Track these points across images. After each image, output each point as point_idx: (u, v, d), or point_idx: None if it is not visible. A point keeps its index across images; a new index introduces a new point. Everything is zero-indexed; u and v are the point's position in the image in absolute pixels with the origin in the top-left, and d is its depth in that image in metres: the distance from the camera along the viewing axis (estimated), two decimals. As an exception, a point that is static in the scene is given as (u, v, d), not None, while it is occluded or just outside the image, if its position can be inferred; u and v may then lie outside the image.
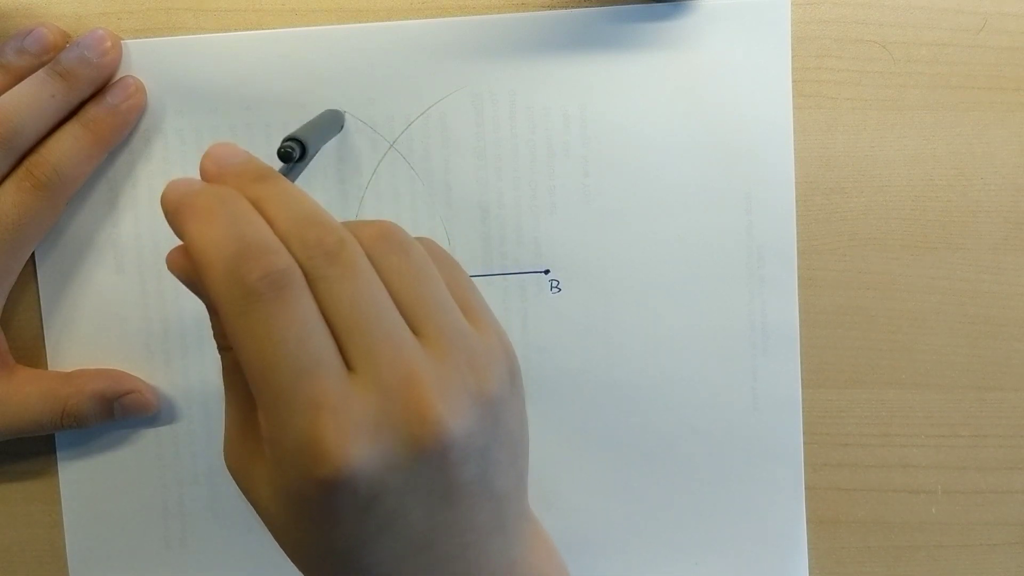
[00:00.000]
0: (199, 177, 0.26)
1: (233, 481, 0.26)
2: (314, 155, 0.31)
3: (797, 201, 0.36)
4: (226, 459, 0.26)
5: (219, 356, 0.26)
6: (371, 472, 0.23)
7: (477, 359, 0.25)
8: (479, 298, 0.27)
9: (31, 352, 0.37)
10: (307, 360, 0.22)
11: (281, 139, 0.29)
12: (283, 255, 0.23)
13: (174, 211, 0.24)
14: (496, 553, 0.26)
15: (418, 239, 0.27)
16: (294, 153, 0.29)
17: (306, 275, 0.23)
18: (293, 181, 0.28)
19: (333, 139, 0.36)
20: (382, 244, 0.25)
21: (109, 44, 0.35)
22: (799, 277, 0.36)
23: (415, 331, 0.24)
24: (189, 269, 0.24)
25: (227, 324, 0.23)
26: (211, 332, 0.26)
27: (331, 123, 0.35)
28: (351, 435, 0.22)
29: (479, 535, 0.25)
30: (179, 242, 0.25)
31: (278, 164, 0.29)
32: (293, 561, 0.26)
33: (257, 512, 0.25)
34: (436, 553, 0.24)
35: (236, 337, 0.23)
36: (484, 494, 0.25)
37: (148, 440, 0.38)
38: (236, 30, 0.36)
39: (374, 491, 0.23)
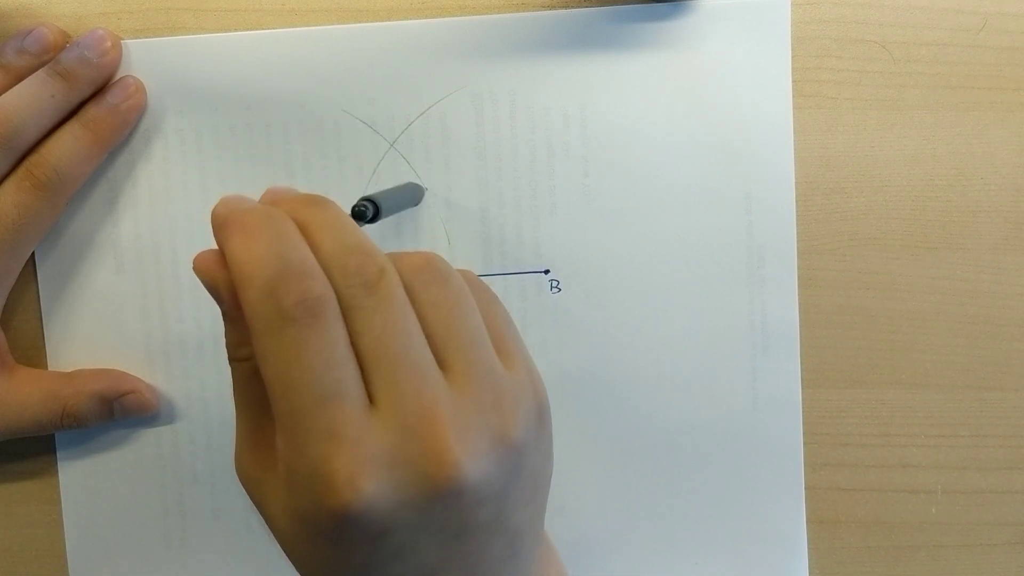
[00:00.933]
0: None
1: (235, 482, 0.26)
2: (385, 218, 0.31)
3: (797, 201, 0.36)
4: (237, 470, 0.26)
5: (229, 365, 0.26)
6: (382, 508, 0.23)
7: (504, 400, 0.24)
8: (514, 334, 0.27)
9: (31, 352, 0.37)
10: (331, 388, 0.22)
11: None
12: (321, 281, 0.23)
13: (222, 224, 0.24)
14: None
15: (460, 271, 0.27)
16: (367, 213, 0.29)
17: (343, 303, 0.24)
18: None
19: (333, 140, 0.36)
20: (422, 275, 0.25)
21: (109, 44, 0.35)
22: (799, 277, 0.36)
23: (444, 365, 0.24)
24: (217, 276, 0.25)
25: (257, 342, 0.23)
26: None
27: (411, 195, 0.35)
28: (364, 469, 0.22)
29: (491, 565, 0.25)
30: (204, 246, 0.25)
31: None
32: (300, 573, 0.26)
33: (267, 523, 0.25)
34: None
35: (264, 355, 0.23)
36: (499, 531, 0.25)
37: (148, 440, 0.38)
38: (236, 30, 0.36)
39: (384, 526, 0.23)
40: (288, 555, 0.25)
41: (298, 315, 0.22)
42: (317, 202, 0.26)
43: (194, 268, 0.25)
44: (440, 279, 0.25)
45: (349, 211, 0.28)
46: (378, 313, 0.23)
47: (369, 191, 0.37)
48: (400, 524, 0.23)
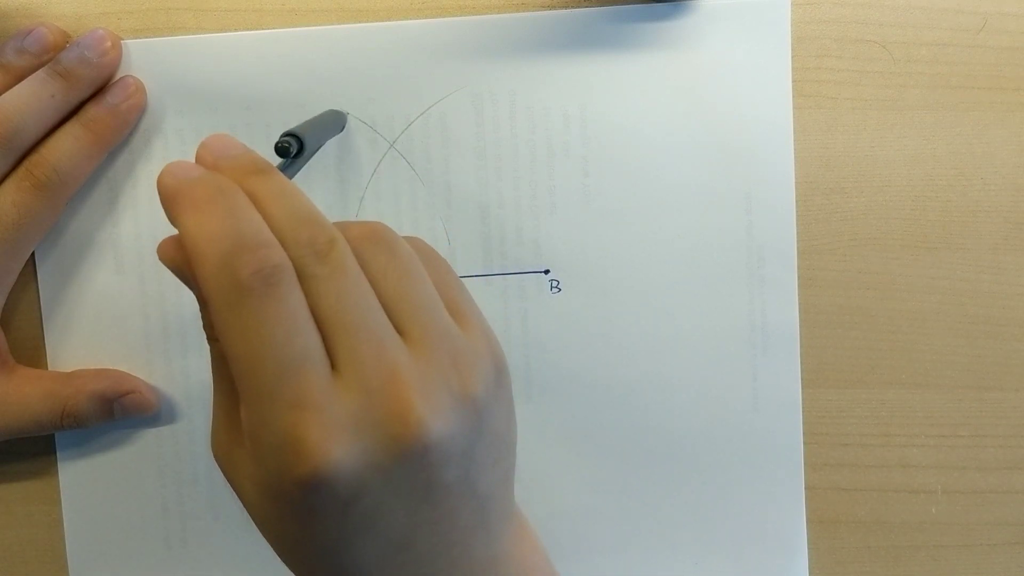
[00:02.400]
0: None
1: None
2: (312, 153, 0.31)
3: (797, 201, 0.36)
4: (213, 448, 0.26)
5: (209, 347, 0.26)
6: (351, 472, 0.23)
7: (461, 359, 0.25)
8: (467, 298, 0.27)
9: (31, 352, 0.37)
10: (293, 357, 0.22)
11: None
12: (277, 250, 0.23)
13: (171, 198, 0.24)
14: (479, 550, 0.26)
15: (407, 238, 0.27)
16: (291, 149, 0.29)
17: (297, 273, 0.23)
18: (290, 178, 0.28)
19: (333, 139, 0.36)
20: (370, 244, 0.25)
21: (109, 44, 0.35)
22: (799, 277, 0.36)
23: (400, 331, 0.24)
24: (180, 260, 0.25)
25: (216, 317, 0.23)
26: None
27: (332, 123, 0.35)
28: (332, 434, 0.22)
29: (462, 534, 0.25)
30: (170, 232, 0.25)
31: (275, 160, 0.29)
32: (276, 553, 0.26)
33: (241, 502, 0.25)
34: (418, 551, 0.25)
35: (224, 330, 0.23)
36: (467, 494, 0.25)
37: (148, 440, 0.38)
38: (236, 30, 0.36)
39: (354, 491, 0.23)
40: (262, 532, 0.25)
41: (256, 285, 0.22)
42: (262, 169, 0.25)
43: (159, 257, 0.25)
44: (387, 248, 0.25)
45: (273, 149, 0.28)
46: (332, 281, 0.23)
47: (369, 191, 0.37)
48: (369, 488, 0.23)
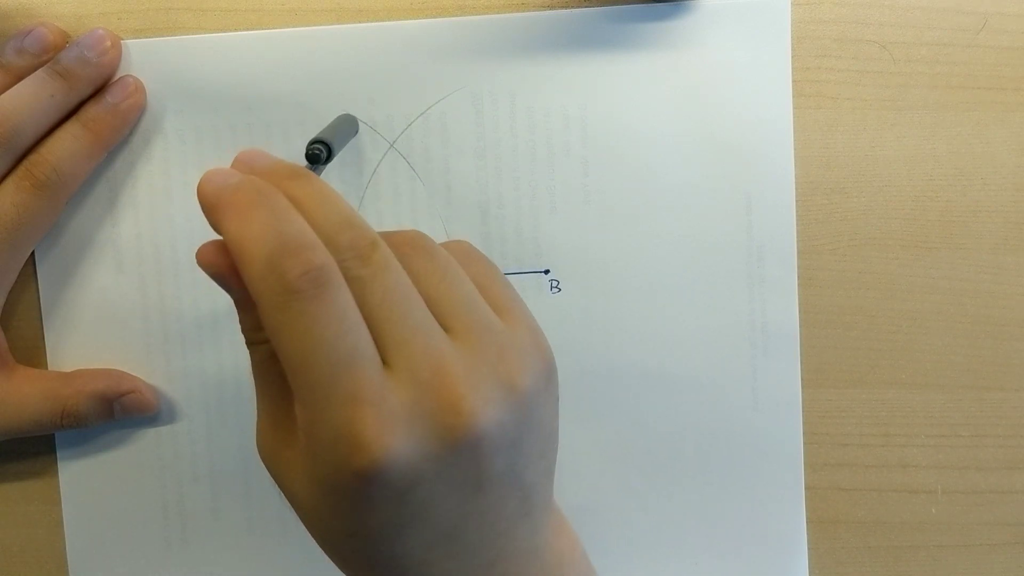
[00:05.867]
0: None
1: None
2: (332, 158, 0.31)
3: (797, 201, 0.36)
4: (260, 451, 0.26)
5: (248, 350, 0.27)
6: (406, 463, 0.23)
7: (507, 353, 0.25)
8: (512, 294, 0.28)
9: (31, 352, 0.37)
10: (345, 354, 0.23)
11: (306, 142, 0.30)
12: (322, 252, 0.23)
13: (213, 205, 0.25)
14: (523, 539, 0.27)
15: (453, 242, 0.28)
16: (322, 155, 0.29)
17: (342, 274, 0.24)
18: None
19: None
20: (408, 249, 0.26)
21: (109, 44, 0.35)
22: (799, 277, 0.36)
23: (445, 328, 0.25)
24: (222, 266, 0.25)
25: (266, 319, 0.23)
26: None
27: (349, 126, 0.35)
28: (388, 427, 0.23)
29: (508, 523, 0.26)
30: (208, 237, 0.25)
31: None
32: (323, 548, 0.26)
33: (289, 500, 0.26)
34: (466, 540, 0.25)
35: (276, 332, 0.23)
36: (514, 484, 0.26)
37: (148, 440, 0.38)
38: (236, 30, 0.36)
39: (409, 481, 0.23)
40: (310, 529, 0.26)
41: (304, 287, 0.23)
42: (300, 174, 0.26)
43: (198, 262, 0.25)
44: (426, 252, 0.26)
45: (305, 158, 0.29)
46: (376, 281, 0.24)
47: (369, 191, 0.37)
48: (424, 477, 0.24)
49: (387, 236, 0.26)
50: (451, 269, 0.26)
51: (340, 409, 0.23)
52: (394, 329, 0.24)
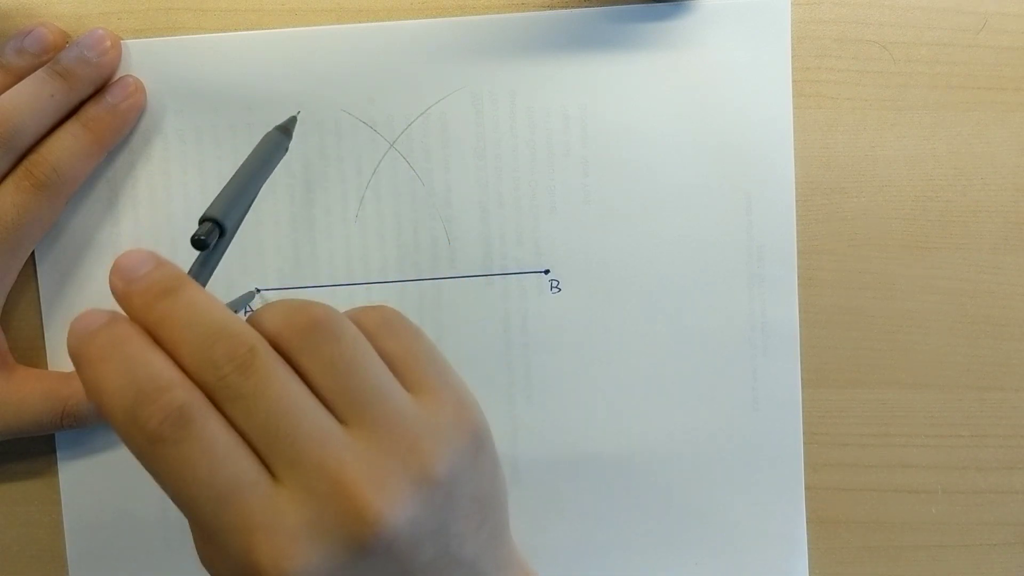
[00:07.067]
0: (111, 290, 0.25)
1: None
2: (238, 227, 0.28)
3: (797, 201, 0.36)
4: (200, 561, 0.25)
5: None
6: None
7: (420, 442, 0.24)
8: (437, 369, 0.26)
9: (31, 352, 0.37)
10: (223, 487, 0.22)
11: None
12: (180, 391, 0.23)
13: (74, 359, 0.24)
14: None
15: (372, 308, 0.26)
16: (210, 241, 0.27)
17: (220, 395, 0.23)
18: (216, 261, 0.27)
19: (332, 139, 0.36)
20: (312, 335, 0.24)
21: (109, 44, 0.35)
22: (799, 277, 0.36)
23: (348, 422, 0.24)
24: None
25: (142, 464, 0.23)
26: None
27: (271, 155, 0.31)
28: (286, 549, 0.22)
29: None
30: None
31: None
32: None
33: None
34: None
35: (154, 475, 0.23)
36: (451, 565, 0.25)
37: (148, 440, 0.37)
38: (236, 30, 0.36)
39: None
40: None
41: (165, 433, 0.22)
42: (171, 289, 0.25)
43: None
44: (331, 337, 0.24)
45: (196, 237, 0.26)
46: (260, 398, 0.23)
47: (369, 191, 0.37)
48: None
49: (290, 316, 0.25)
50: (358, 355, 0.25)
51: (233, 541, 0.22)
52: (282, 445, 0.23)
